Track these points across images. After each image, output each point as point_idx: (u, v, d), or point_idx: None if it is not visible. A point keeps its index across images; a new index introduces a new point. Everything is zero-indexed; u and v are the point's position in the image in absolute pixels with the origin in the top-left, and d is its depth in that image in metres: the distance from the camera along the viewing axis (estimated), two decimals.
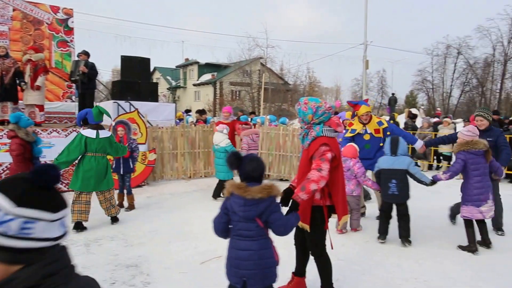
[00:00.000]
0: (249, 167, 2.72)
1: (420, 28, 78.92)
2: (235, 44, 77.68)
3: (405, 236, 5.06)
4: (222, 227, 2.83)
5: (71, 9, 11.50)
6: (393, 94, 25.51)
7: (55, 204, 1.10)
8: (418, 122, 14.49)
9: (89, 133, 5.69)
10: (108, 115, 6.13)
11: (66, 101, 11.16)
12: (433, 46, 42.35)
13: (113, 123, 7.27)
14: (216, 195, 7.67)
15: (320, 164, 3.10)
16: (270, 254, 2.74)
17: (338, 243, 5.16)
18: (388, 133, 6.01)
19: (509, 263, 4.45)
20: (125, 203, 7.07)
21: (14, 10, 10.52)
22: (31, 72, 8.42)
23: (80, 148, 5.57)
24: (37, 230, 1.05)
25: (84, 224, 5.75)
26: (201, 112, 14.35)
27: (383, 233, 5.18)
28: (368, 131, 6.12)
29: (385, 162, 5.17)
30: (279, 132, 10.04)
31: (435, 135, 11.90)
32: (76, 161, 5.76)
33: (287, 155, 9.80)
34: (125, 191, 7.08)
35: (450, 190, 7.42)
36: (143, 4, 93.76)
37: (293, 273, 3.69)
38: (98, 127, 5.80)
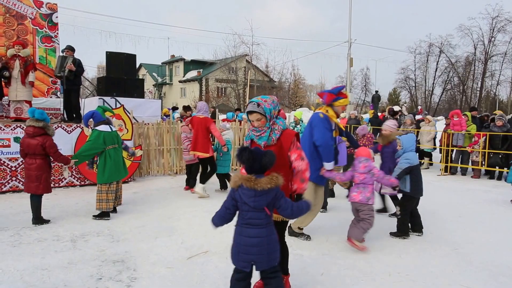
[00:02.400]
0: (265, 161, 2.87)
1: (404, 26, 79.81)
2: (220, 41, 77.30)
3: (419, 229, 5.43)
4: (228, 217, 3.07)
5: (55, 4, 11.35)
6: (376, 91, 25.78)
7: None
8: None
9: (105, 128, 6.14)
10: (111, 111, 6.61)
11: (51, 97, 11.05)
12: (416, 44, 43.21)
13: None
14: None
15: (301, 153, 3.26)
16: (275, 238, 3.01)
17: (323, 238, 5.29)
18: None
19: (486, 257, 4.62)
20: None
21: None
22: (21, 68, 8.33)
23: (102, 143, 6.02)
24: None
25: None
26: (186, 108, 14.36)
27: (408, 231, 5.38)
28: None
29: (416, 158, 5.31)
30: None
31: (417, 132, 12.16)
32: (96, 157, 6.21)
33: None
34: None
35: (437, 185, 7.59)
36: (128, 0, 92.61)
37: None
38: (108, 122, 6.26)
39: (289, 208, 3.00)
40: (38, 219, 5.78)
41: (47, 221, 5.84)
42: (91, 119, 6.25)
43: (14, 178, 7.87)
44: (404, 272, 4.15)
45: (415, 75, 44.08)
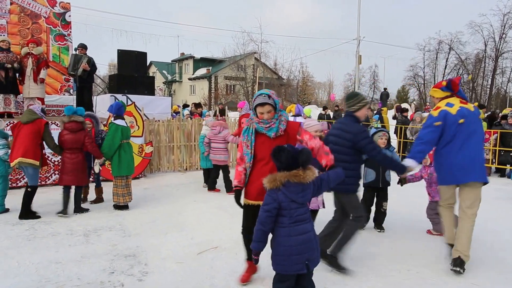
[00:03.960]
0: (303, 158, 2.83)
1: (413, 23, 79.10)
2: (230, 39, 77.32)
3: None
4: (270, 222, 2.86)
5: (68, 3, 11.51)
6: (385, 89, 25.65)
7: None
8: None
9: (122, 122, 6.45)
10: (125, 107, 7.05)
11: (64, 95, 11.21)
12: (425, 41, 42.65)
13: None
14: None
15: (311, 134, 3.42)
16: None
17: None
18: None
19: (496, 255, 4.59)
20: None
21: (11, 3, 10.52)
22: (34, 66, 8.48)
23: (120, 137, 6.37)
24: None
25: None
26: (196, 105, 14.48)
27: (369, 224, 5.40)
28: None
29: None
30: None
31: None
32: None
33: None
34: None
35: None
36: None
37: (246, 259, 3.74)
38: (123, 117, 6.66)
39: (326, 178, 3.04)
40: (79, 208, 6.20)
41: (87, 210, 6.27)
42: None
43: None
44: (414, 269, 4.12)
45: (424, 72, 43.69)
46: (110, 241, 4.91)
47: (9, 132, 6.70)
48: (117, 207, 6.48)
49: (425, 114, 15.69)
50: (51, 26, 11.16)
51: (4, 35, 10.10)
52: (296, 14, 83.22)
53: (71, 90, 11.24)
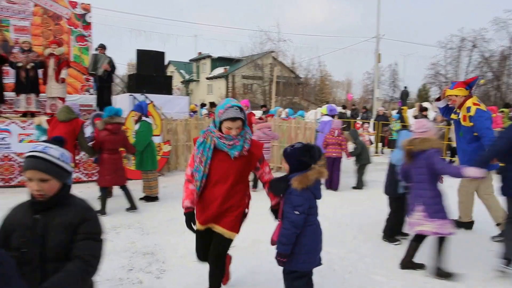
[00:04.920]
0: (319, 151, 2.88)
1: (434, 21, 77.69)
2: (247, 38, 77.39)
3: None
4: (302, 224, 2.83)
5: (89, 4, 11.71)
6: (405, 87, 25.24)
7: None
8: (431, 116, 14.43)
9: (151, 120, 6.86)
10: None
11: (84, 94, 11.42)
12: (447, 39, 41.54)
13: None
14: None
15: (268, 165, 3.27)
16: None
17: (350, 236, 5.26)
18: (471, 124, 5.11)
19: None
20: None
21: (35, 5, 10.79)
22: (55, 66, 8.67)
23: (152, 134, 6.93)
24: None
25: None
26: (212, 104, 14.57)
27: (387, 235, 5.04)
28: (459, 116, 5.30)
29: (394, 156, 4.94)
30: (290, 125, 10.18)
31: (449, 129, 11.85)
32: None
33: None
34: None
35: None
36: None
37: None
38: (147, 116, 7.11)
39: None
40: (134, 205, 6.34)
41: (137, 207, 6.39)
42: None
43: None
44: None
45: (445, 70, 42.79)
46: (129, 239, 4.98)
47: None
48: (149, 199, 6.88)
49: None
50: (72, 27, 11.38)
51: (27, 37, 10.35)
52: (314, 13, 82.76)
53: (91, 90, 11.44)
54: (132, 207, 6.28)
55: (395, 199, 4.93)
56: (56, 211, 1.90)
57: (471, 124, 5.07)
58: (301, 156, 2.82)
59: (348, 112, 19.53)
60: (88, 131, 7.62)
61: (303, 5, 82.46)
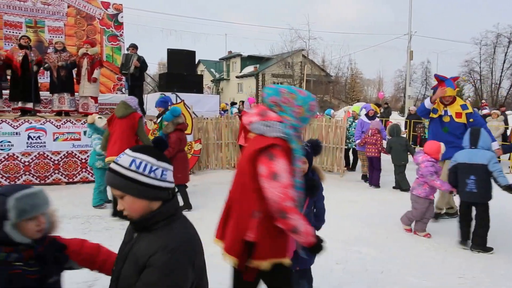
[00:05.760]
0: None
1: (468, 16, 74.98)
2: (277, 36, 77.34)
3: (478, 244, 4.54)
4: None
5: (121, 5, 11.90)
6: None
7: (170, 161, 1.66)
8: None
9: None
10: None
11: (116, 93, 11.61)
12: (481, 35, 39.95)
13: None
14: None
15: None
16: None
17: (383, 236, 5.11)
18: (471, 119, 5.58)
19: None
20: None
21: (68, 6, 11.05)
22: (88, 65, 8.83)
23: None
24: (168, 176, 1.60)
25: None
26: (243, 103, 14.55)
27: (465, 239, 4.71)
28: (449, 113, 5.72)
29: (462, 155, 4.70)
30: (321, 123, 9.99)
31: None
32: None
33: (329, 147, 9.75)
34: None
35: None
36: None
37: None
38: None
39: None
40: (189, 205, 6.39)
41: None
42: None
43: (84, 170, 8.39)
44: (469, 274, 3.92)
45: (480, 67, 41.22)
46: None
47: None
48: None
49: (485, 111, 14.80)
50: (104, 27, 11.59)
51: (61, 37, 10.61)
52: (345, 10, 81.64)
53: (123, 89, 11.62)
54: (187, 207, 6.41)
55: (485, 204, 4.62)
56: (145, 236, 1.54)
57: (471, 120, 5.53)
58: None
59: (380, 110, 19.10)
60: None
61: (334, 3, 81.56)
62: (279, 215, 2.09)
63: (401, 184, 7.99)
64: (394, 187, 8.16)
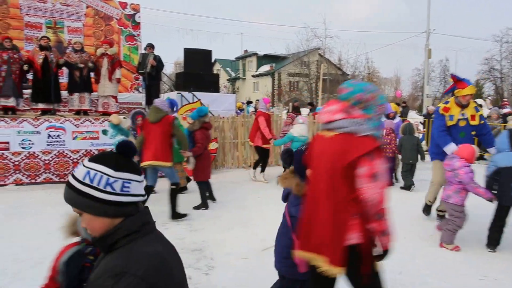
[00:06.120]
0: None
1: (488, 13, 73.29)
2: (293, 35, 76.94)
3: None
4: None
5: (138, 5, 12.00)
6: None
7: (138, 169, 1.42)
8: (485, 113, 13.55)
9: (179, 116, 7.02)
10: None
11: (133, 93, 11.73)
12: (502, 32, 39.03)
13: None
14: None
15: None
16: None
17: (400, 235, 5.01)
18: (482, 121, 5.23)
19: None
20: None
21: (87, 7, 11.20)
22: (108, 65, 8.94)
23: None
24: (132, 188, 1.37)
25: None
26: (296, 108, 14.56)
27: (495, 244, 4.53)
28: (466, 116, 5.19)
29: (505, 159, 4.42)
30: None
31: (504, 127, 11.08)
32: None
33: None
34: None
35: None
36: None
37: None
38: None
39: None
40: (206, 204, 6.53)
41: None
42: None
43: None
44: (491, 275, 3.82)
45: (500, 65, 40.28)
46: (177, 235, 5.01)
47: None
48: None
49: (506, 110, 14.45)
50: (122, 27, 11.71)
51: (80, 37, 10.75)
52: (362, 8, 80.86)
53: (140, 88, 11.72)
54: (212, 198, 6.71)
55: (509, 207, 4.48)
56: (104, 258, 1.38)
57: (482, 122, 5.24)
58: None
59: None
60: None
61: (351, 1, 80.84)
62: (376, 216, 2.07)
63: (405, 182, 7.89)
64: (401, 187, 7.96)
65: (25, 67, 8.30)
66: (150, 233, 1.38)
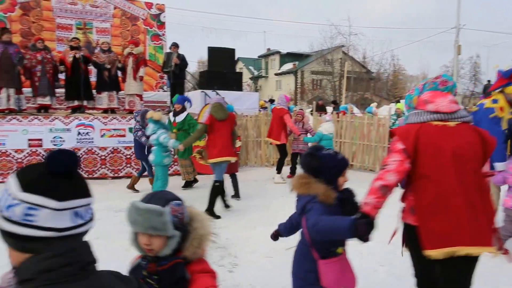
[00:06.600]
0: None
1: None
2: (317, 32, 76.33)
3: None
4: None
5: (163, 5, 12.20)
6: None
7: (64, 192, 0.99)
8: None
9: None
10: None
11: (158, 91, 11.93)
12: None
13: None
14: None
15: (386, 159, 2.40)
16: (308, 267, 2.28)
17: None
18: None
19: None
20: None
21: (115, 8, 11.48)
22: (133, 64, 9.15)
23: None
24: (40, 217, 0.96)
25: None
26: (322, 107, 14.52)
27: None
28: None
29: None
30: (363, 121, 9.80)
31: None
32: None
33: (371, 145, 9.55)
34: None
35: None
36: None
37: None
38: None
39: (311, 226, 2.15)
40: (238, 194, 7.06)
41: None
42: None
43: (128, 165, 8.69)
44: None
45: None
46: None
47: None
48: (188, 183, 7.82)
49: None
50: (148, 27, 11.93)
51: (108, 37, 11.02)
52: (388, 3, 79.46)
53: (165, 87, 11.91)
54: (236, 195, 7.02)
55: None
56: None
57: None
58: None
59: None
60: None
61: None
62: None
63: None
64: None
65: (62, 68, 8.63)
66: (75, 280, 0.95)
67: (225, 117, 5.94)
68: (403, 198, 2.49)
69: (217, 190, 5.93)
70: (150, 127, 6.26)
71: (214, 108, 6.07)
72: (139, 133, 7.02)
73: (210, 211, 5.82)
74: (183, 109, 7.37)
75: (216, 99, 6.40)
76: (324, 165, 2.25)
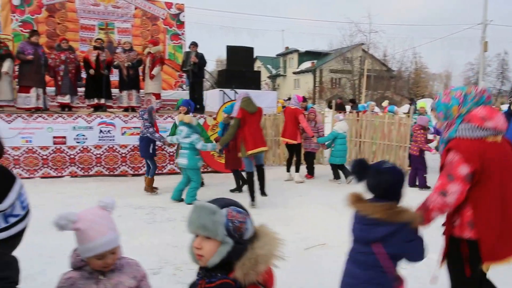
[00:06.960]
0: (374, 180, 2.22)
1: None
2: (336, 30, 75.66)
3: None
4: None
5: (183, 4, 12.31)
6: None
7: None
8: None
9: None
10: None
11: (177, 90, 12.04)
12: None
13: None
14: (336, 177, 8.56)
15: (446, 185, 2.28)
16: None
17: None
18: None
19: None
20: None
21: (135, 8, 11.64)
22: (150, 63, 9.28)
23: None
24: None
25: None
26: (340, 106, 14.51)
27: None
28: None
29: None
30: (383, 120, 9.69)
31: None
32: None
33: (392, 145, 9.43)
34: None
35: None
36: None
37: None
38: None
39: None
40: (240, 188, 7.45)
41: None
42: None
43: (171, 162, 9.04)
44: None
45: None
46: None
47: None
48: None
49: None
50: (167, 26, 12.05)
51: (129, 37, 11.19)
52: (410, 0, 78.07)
53: (184, 86, 12.01)
54: (239, 189, 7.38)
55: None
56: None
57: None
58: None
59: None
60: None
61: None
62: None
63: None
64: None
65: (91, 71, 8.82)
66: None
67: (255, 110, 6.27)
68: (454, 214, 2.46)
69: (252, 181, 6.37)
70: (184, 130, 6.34)
71: (245, 102, 6.27)
72: (151, 129, 7.03)
73: (252, 200, 6.32)
74: (188, 112, 7.32)
75: (244, 93, 6.60)
76: (391, 179, 2.19)
